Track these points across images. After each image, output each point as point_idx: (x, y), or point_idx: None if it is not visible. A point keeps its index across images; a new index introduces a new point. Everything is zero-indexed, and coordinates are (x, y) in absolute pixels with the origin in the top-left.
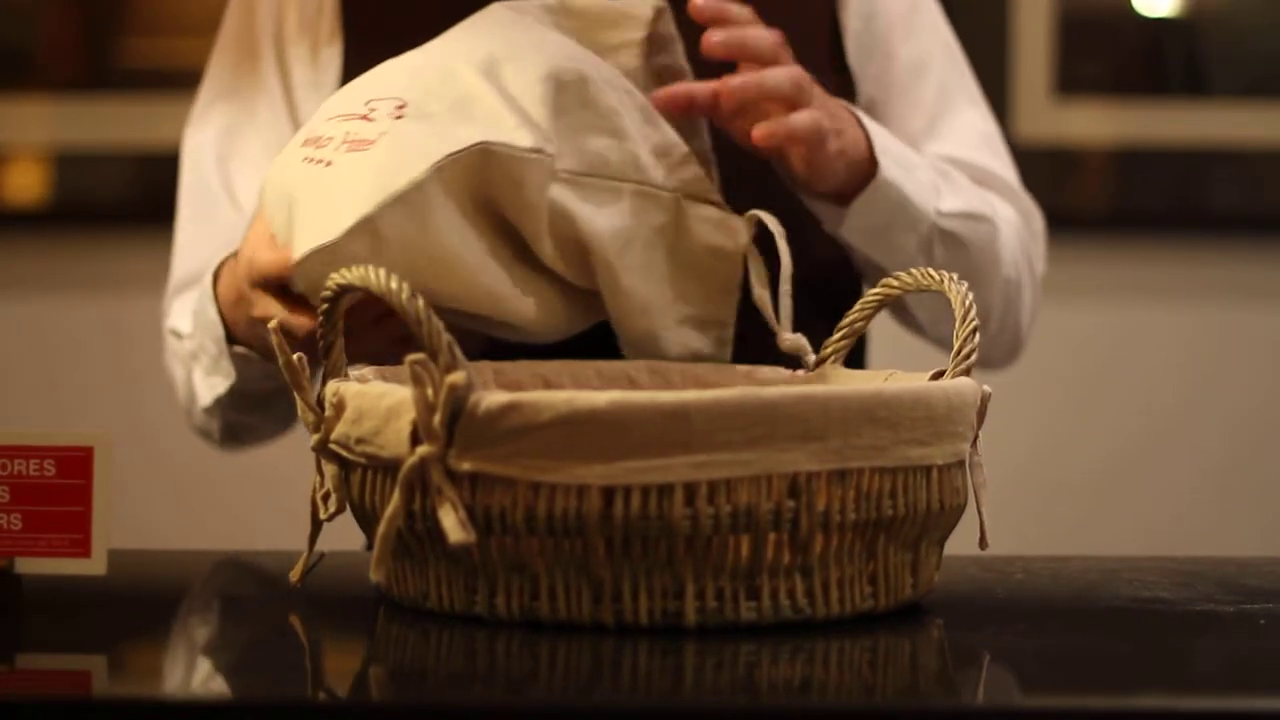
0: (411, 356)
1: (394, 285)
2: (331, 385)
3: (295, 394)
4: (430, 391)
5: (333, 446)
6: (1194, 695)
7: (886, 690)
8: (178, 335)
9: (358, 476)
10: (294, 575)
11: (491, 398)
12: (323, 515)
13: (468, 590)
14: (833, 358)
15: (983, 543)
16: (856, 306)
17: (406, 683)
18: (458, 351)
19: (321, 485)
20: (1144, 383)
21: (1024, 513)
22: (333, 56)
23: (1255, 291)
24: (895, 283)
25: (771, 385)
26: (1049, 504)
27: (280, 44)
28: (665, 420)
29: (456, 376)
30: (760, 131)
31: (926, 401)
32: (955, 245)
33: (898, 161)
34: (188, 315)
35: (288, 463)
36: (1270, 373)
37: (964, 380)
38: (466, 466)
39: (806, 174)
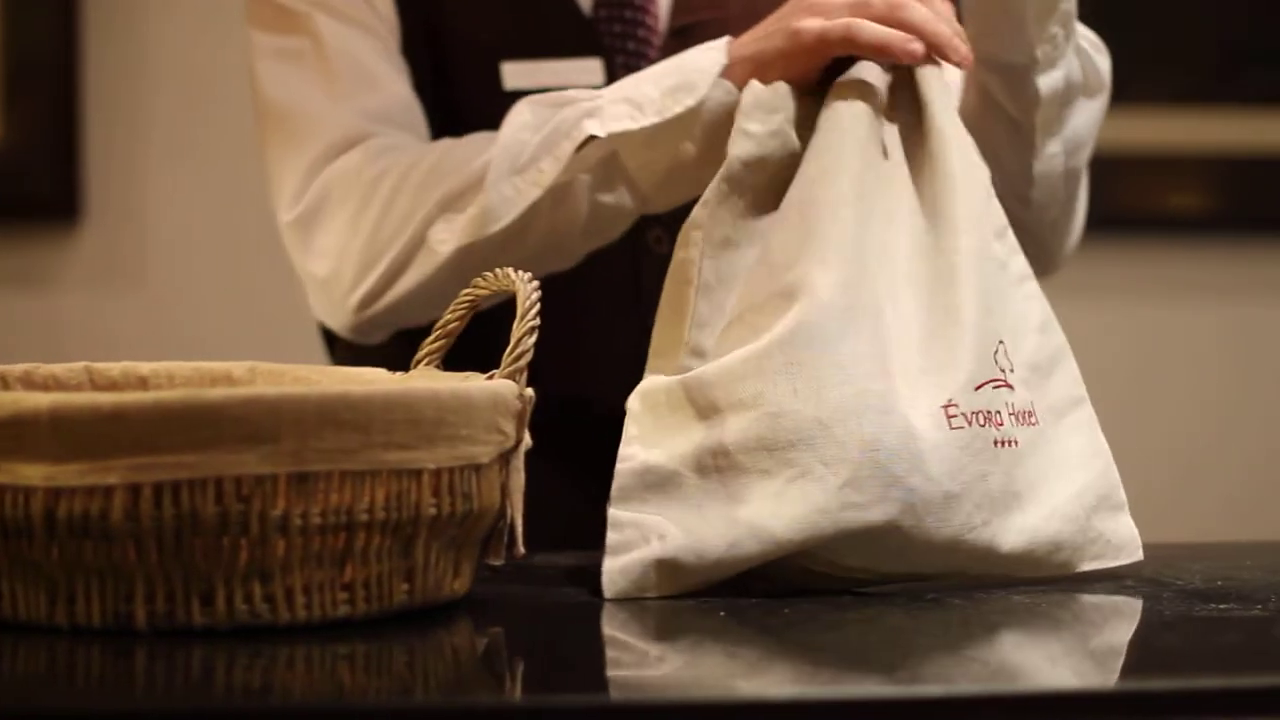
0: None
1: None
2: None
3: None
4: None
5: None
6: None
7: (360, 691)
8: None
9: None
10: None
11: None
12: None
13: None
14: (426, 360)
15: (514, 549)
16: (450, 308)
17: None
18: None
19: None
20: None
21: None
22: None
23: None
24: (482, 282)
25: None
26: None
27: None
28: (104, 423)
29: None
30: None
31: (406, 404)
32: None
33: None
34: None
35: None
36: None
37: (476, 384)
38: None
39: None
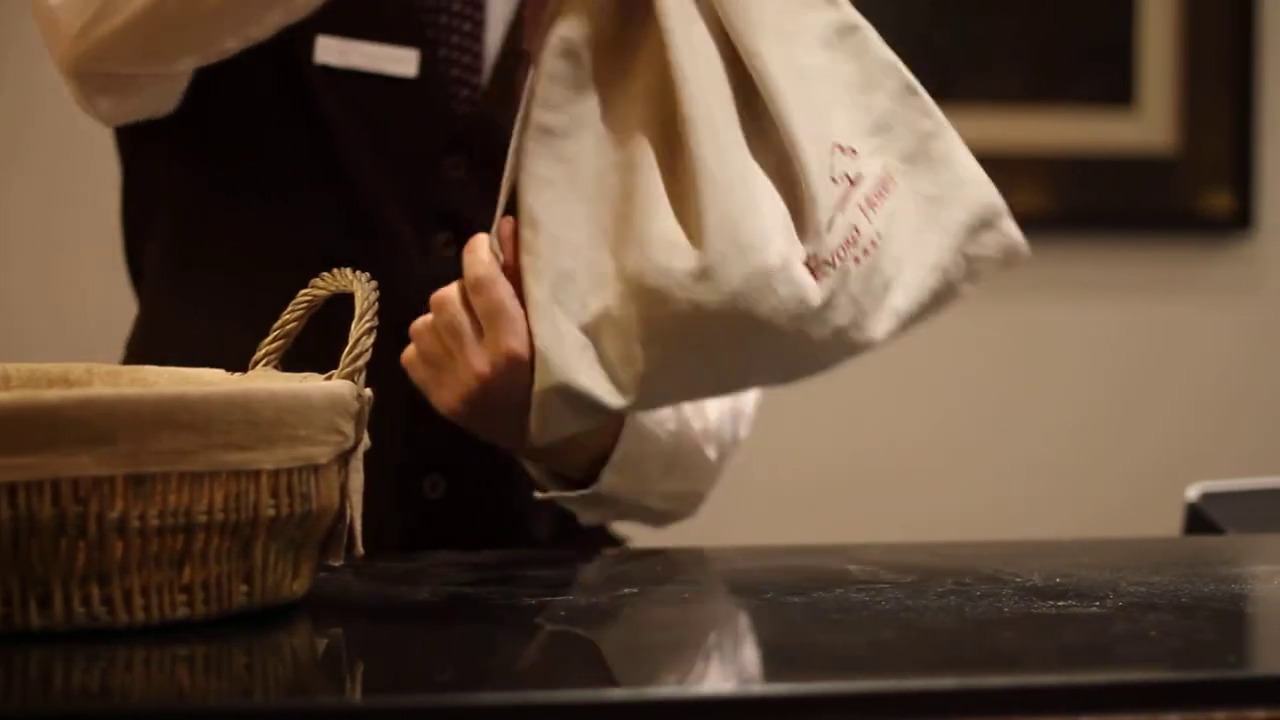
0: None
1: None
2: None
3: None
4: None
5: None
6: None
7: (200, 693)
8: None
9: None
10: None
11: None
12: None
13: None
14: (265, 361)
15: (353, 550)
16: (289, 308)
17: None
18: None
19: None
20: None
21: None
22: None
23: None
24: (320, 283)
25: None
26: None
27: None
28: None
29: None
30: None
31: (245, 404)
32: None
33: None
34: None
35: None
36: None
37: (314, 385)
38: None
39: None
